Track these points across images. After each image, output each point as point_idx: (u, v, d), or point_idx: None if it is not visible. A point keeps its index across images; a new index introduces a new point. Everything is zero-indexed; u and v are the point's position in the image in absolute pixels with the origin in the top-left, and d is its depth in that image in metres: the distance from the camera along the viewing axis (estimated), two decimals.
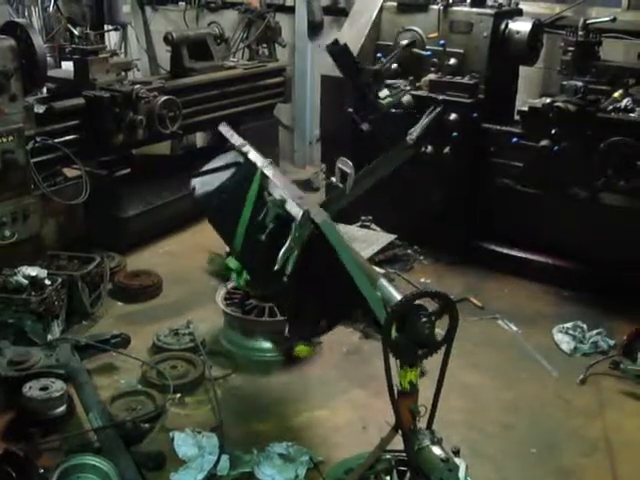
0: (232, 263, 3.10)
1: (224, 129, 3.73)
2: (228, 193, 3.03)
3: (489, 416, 3.79)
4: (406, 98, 5.16)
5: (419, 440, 2.74)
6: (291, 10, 7.18)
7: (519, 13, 5.46)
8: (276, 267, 2.65)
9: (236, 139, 3.48)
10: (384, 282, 2.79)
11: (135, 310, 4.79)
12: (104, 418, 3.42)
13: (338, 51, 4.86)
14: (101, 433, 3.35)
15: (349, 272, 2.59)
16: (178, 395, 3.85)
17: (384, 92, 4.53)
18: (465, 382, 4.00)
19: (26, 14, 7.87)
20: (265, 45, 7.06)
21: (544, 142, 4.77)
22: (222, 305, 4.40)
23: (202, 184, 3.17)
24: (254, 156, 3.22)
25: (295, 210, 2.75)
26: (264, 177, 3.04)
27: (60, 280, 4.30)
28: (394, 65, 5.48)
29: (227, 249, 3.81)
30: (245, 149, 3.23)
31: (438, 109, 4.48)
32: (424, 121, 4.39)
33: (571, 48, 4.95)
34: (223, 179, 3.09)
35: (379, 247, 5.03)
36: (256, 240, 2.93)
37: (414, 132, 4.36)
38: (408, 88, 4.49)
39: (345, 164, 3.10)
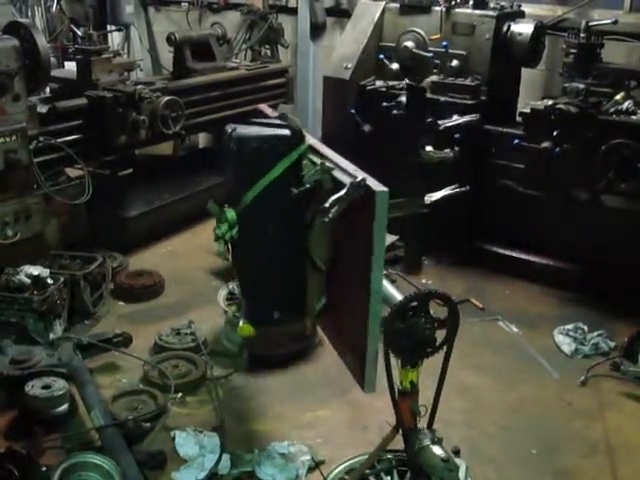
0: (230, 214, 3.02)
1: (263, 106, 3.79)
2: (270, 145, 3.02)
3: (489, 417, 3.80)
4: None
5: (420, 440, 2.76)
6: (294, 11, 7.18)
7: (521, 15, 5.47)
8: (326, 205, 2.70)
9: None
10: (385, 282, 2.80)
11: (137, 310, 4.80)
12: (106, 417, 3.43)
13: (416, 90, 4.94)
14: (103, 432, 3.36)
15: (371, 249, 2.59)
16: (179, 394, 3.86)
17: (429, 148, 4.61)
18: (466, 383, 4.00)
19: (29, 14, 7.87)
20: (267, 46, 7.07)
21: (546, 144, 4.78)
22: (223, 305, 4.41)
23: (242, 128, 3.13)
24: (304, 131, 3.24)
25: (345, 178, 2.77)
26: (311, 147, 3.07)
27: (62, 279, 4.31)
28: (395, 66, 5.51)
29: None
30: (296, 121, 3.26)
31: (464, 189, 4.57)
32: (447, 192, 4.50)
33: (573, 50, 4.95)
34: (269, 133, 3.08)
35: None
36: (278, 198, 2.97)
37: (433, 197, 4.46)
38: (451, 155, 4.56)
39: None
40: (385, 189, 2.60)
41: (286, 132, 3.05)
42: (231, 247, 3.16)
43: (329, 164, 2.91)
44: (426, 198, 4.41)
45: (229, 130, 3.10)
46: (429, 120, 4.99)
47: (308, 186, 2.92)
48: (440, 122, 4.99)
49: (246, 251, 3.15)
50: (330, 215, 2.70)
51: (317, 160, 2.97)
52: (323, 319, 3.22)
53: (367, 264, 2.60)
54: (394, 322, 2.66)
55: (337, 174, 2.86)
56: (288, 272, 3.14)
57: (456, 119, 5.03)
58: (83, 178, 4.83)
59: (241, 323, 3.25)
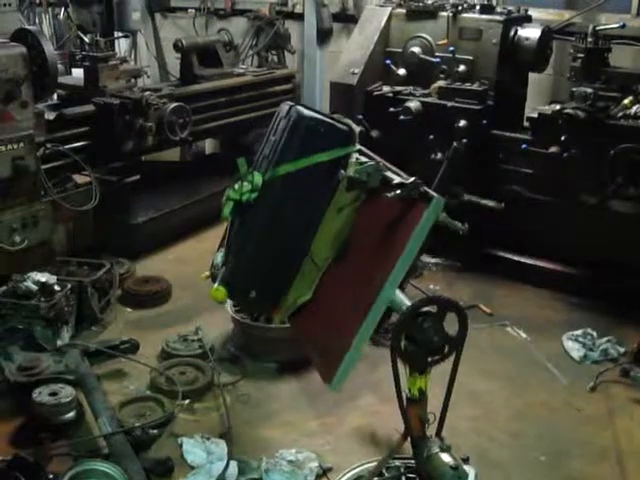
0: (257, 177, 2.98)
1: None
2: (326, 130, 3.05)
3: (498, 424, 3.77)
4: (415, 105, 5.18)
5: (428, 447, 2.74)
6: (300, 17, 7.20)
7: (528, 20, 5.46)
8: (394, 182, 2.79)
9: None
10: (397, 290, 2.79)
11: (144, 316, 4.79)
12: (113, 424, 3.43)
13: (457, 153, 4.99)
14: (110, 439, 3.36)
15: (402, 250, 2.64)
16: (187, 401, 3.84)
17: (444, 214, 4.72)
18: (474, 389, 3.98)
19: (37, 21, 7.91)
20: (274, 52, 7.09)
21: (553, 149, 4.76)
22: (231, 311, 4.40)
23: (304, 107, 3.16)
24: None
25: (397, 179, 2.83)
26: (360, 150, 3.10)
27: (69, 286, 4.31)
28: (402, 71, 5.50)
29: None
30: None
31: (457, 264, 4.75)
32: (439, 261, 4.66)
33: (580, 55, 4.94)
34: (329, 120, 3.10)
35: None
36: (309, 182, 3.04)
37: (427, 258, 4.61)
38: (460, 228, 4.64)
39: None
40: (442, 198, 2.72)
41: (344, 127, 3.09)
42: (236, 212, 3.12)
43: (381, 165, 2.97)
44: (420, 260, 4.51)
45: (288, 105, 3.15)
46: (457, 188, 5.03)
47: (357, 176, 2.94)
48: (467, 196, 5.05)
49: (252, 220, 3.11)
50: (392, 193, 2.74)
51: (367, 160, 3.02)
52: (298, 314, 3.18)
53: (388, 266, 2.64)
54: (403, 327, 2.64)
55: (389, 175, 2.91)
56: (285, 257, 3.10)
57: (481, 200, 5.08)
58: (90, 185, 4.84)
59: (215, 285, 3.14)
